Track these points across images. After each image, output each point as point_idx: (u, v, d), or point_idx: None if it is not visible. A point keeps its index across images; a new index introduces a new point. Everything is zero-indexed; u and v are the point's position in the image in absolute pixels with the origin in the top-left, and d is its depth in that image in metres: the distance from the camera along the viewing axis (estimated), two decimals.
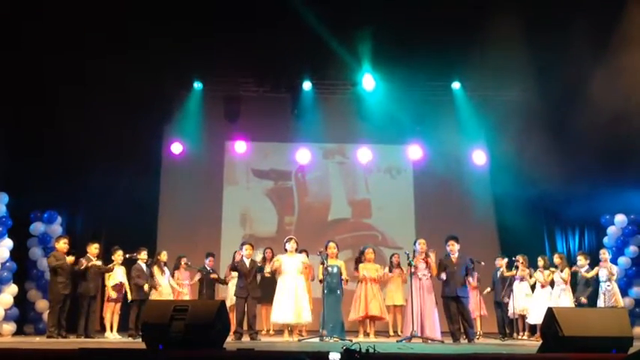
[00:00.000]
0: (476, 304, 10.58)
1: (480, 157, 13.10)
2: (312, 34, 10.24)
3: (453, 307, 8.98)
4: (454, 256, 9.11)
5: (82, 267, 9.45)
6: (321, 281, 9.25)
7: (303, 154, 13.18)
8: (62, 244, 9.61)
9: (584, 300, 9.69)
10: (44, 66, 10.05)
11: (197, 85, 12.47)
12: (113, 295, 9.77)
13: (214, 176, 13.28)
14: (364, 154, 13.28)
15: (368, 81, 12.10)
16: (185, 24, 10.19)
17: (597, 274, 9.78)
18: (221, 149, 13.37)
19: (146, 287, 9.71)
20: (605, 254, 9.96)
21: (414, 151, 13.13)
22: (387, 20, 10.21)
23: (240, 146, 13.23)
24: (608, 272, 9.66)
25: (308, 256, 10.03)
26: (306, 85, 12.41)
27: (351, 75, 12.12)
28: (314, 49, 10.83)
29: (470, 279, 9.47)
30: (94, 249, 9.80)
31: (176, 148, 12.91)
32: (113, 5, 9.73)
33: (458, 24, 10.14)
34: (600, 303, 9.64)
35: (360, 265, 9.93)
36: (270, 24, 10.20)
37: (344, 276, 9.48)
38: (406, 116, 12.73)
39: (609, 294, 9.59)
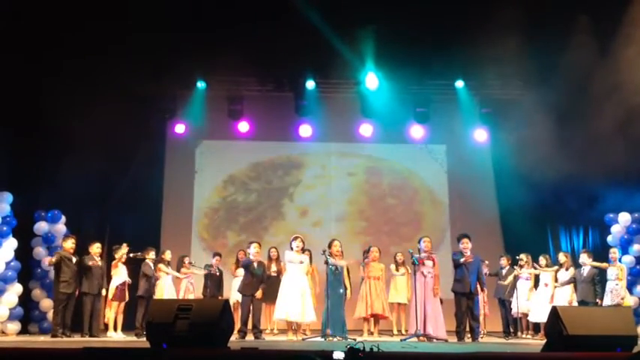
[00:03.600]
0: (480, 303, 10.58)
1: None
2: (315, 32, 10.23)
3: (464, 304, 8.98)
4: (467, 254, 9.12)
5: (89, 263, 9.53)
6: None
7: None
8: (70, 244, 9.63)
9: (600, 301, 9.67)
10: (46, 64, 10.06)
11: (200, 85, 12.47)
12: (111, 294, 9.78)
13: (218, 175, 13.29)
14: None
15: (371, 80, 12.08)
16: (187, 23, 10.19)
17: (604, 272, 9.80)
18: (224, 148, 13.37)
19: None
20: (615, 253, 9.97)
21: (417, 131, 13.07)
22: (390, 19, 10.20)
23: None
24: (618, 271, 9.66)
25: (311, 256, 10.03)
26: (310, 84, 12.40)
27: (354, 74, 12.10)
28: (317, 48, 10.81)
29: (482, 279, 9.41)
30: (95, 248, 9.82)
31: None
32: (115, 4, 9.75)
33: (461, 22, 10.13)
34: (607, 301, 9.64)
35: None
36: (273, 23, 10.19)
37: (347, 281, 9.51)
38: (410, 115, 12.74)
39: (616, 293, 9.58)
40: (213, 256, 10.94)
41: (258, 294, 9.20)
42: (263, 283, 9.31)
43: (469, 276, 8.99)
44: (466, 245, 9.17)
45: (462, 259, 9.02)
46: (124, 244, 9.89)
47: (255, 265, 9.35)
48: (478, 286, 9.20)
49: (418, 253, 9.16)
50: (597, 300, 9.72)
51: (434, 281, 9.06)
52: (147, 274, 9.81)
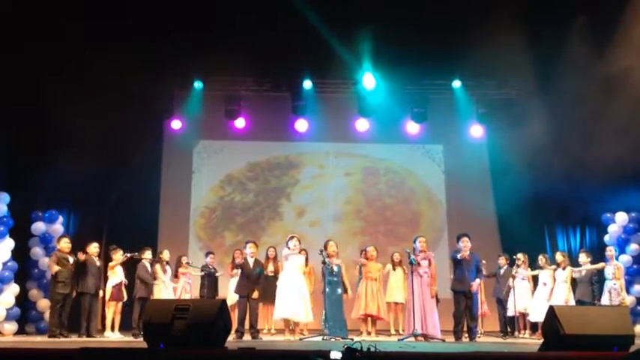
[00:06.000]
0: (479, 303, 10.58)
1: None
2: (312, 32, 10.23)
3: (463, 303, 9.00)
4: (466, 253, 9.14)
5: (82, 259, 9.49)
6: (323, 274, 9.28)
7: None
8: (64, 244, 9.62)
9: (597, 302, 9.69)
10: (44, 65, 10.05)
11: (198, 85, 12.46)
12: (108, 294, 9.77)
13: (215, 175, 13.30)
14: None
15: (368, 79, 12.09)
16: (185, 23, 10.18)
17: (602, 271, 9.82)
18: (221, 148, 13.38)
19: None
20: (612, 252, 9.98)
21: (414, 131, 13.04)
22: (388, 18, 10.20)
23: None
24: (615, 270, 9.68)
25: (308, 256, 10.04)
26: (307, 84, 12.40)
27: (351, 74, 12.10)
28: (314, 48, 10.81)
29: (478, 280, 9.41)
30: (93, 248, 9.82)
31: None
32: (113, 4, 9.74)
33: (458, 21, 10.13)
34: (605, 300, 9.65)
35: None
36: (271, 23, 10.19)
37: (346, 280, 9.53)
38: (407, 114, 12.75)
39: (615, 292, 9.58)
40: (206, 255, 10.95)
41: (255, 295, 9.21)
42: (259, 284, 9.30)
43: (468, 274, 9.02)
44: (466, 244, 9.19)
45: (459, 256, 9.05)
46: (120, 250, 9.87)
47: (252, 264, 9.35)
48: (477, 279, 9.24)
49: (414, 253, 9.16)
50: (595, 300, 9.75)
51: (430, 281, 9.08)
52: (143, 275, 9.79)
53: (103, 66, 9.87)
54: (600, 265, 9.84)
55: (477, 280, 9.31)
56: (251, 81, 12.70)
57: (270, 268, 10.23)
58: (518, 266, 10.29)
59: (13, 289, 10.31)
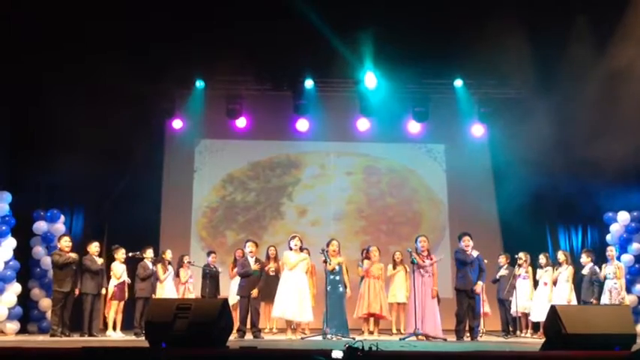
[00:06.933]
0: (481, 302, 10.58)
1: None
2: (314, 32, 10.23)
3: (466, 302, 9.00)
4: (469, 252, 9.13)
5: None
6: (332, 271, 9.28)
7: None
8: (63, 243, 9.64)
9: (595, 301, 9.71)
10: (45, 65, 10.05)
11: (199, 84, 12.46)
12: (110, 293, 9.79)
13: (217, 174, 13.30)
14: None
15: (370, 79, 12.08)
16: (186, 22, 10.18)
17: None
18: (223, 147, 13.38)
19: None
20: (612, 252, 9.98)
21: (415, 130, 13.02)
22: (389, 18, 10.20)
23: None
24: (615, 270, 9.67)
25: (310, 255, 10.04)
26: (308, 83, 12.39)
27: (353, 73, 12.09)
28: (316, 47, 10.81)
29: (481, 282, 9.40)
30: (94, 247, 9.83)
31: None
32: (113, 4, 9.74)
33: (460, 21, 10.13)
34: (605, 300, 9.65)
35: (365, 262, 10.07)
36: (272, 22, 10.19)
37: (346, 278, 9.53)
38: (408, 114, 12.75)
39: (616, 292, 9.58)
40: (208, 255, 10.95)
41: (254, 292, 9.21)
42: (258, 283, 9.30)
43: (471, 273, 9.03)
44: (467, 243, 9.20)
45: (469, 259, 9.03)
46: (121, 249, 9.88)
47: (252, 262, 9.35)
48: (480, 282, 9.25)
49: (415, 252, 9.16)
50: (592, 300, 9.75)
51: (432, 281, 9.07)
52: (144, 274, 9.80)
53: (104, 65, 9.88)
54: (601, 275, 9.84)
55: (480, 283, 9.31)
56: (252, 80, 12.68)
57: (272, 267, 10.23)
58: (519, 265, 10.28)
59: (15, 288, 10.33)
